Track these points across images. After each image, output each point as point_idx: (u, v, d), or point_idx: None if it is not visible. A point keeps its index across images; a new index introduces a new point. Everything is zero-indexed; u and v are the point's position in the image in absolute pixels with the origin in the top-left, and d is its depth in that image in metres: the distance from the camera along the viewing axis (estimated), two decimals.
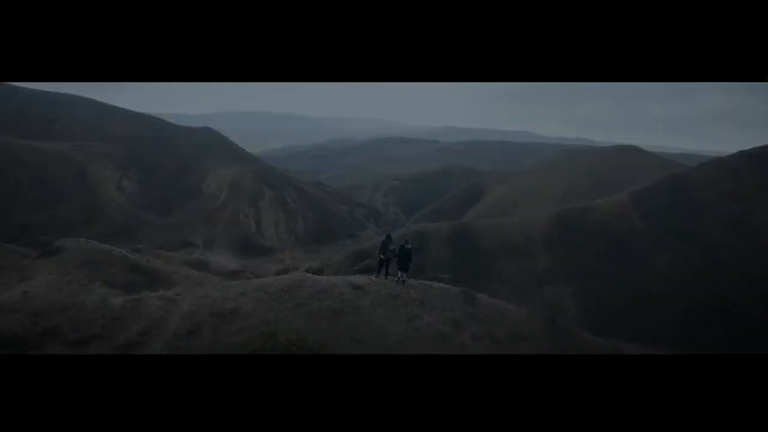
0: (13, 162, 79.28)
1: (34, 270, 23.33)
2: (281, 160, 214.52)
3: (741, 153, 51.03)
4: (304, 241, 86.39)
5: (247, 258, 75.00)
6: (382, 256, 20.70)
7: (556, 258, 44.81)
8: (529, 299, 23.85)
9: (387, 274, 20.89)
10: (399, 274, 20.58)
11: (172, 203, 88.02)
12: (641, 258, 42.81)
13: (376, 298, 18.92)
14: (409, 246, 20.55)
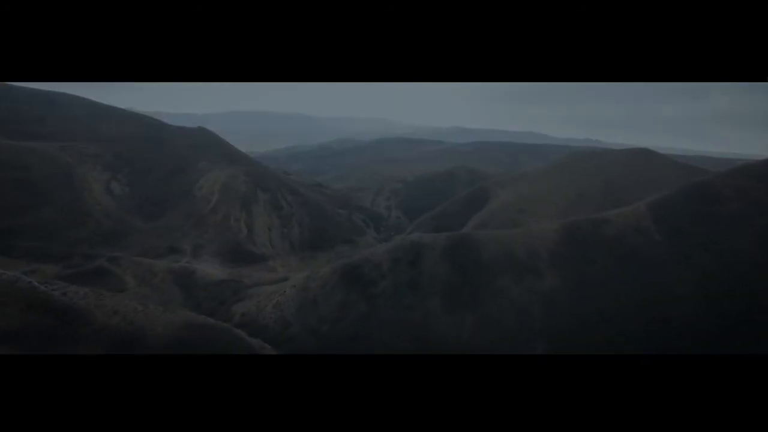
0: None
1: None
2: (283, 160, 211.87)
3: None
4: (299, 248, 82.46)
5: (237, 266, 71.17)
6: None
7: (565, 276, 40.41)
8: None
9: None
10: None
11: (163, 207, 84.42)
12: (661, 277, 38.30)
13: None
14: None
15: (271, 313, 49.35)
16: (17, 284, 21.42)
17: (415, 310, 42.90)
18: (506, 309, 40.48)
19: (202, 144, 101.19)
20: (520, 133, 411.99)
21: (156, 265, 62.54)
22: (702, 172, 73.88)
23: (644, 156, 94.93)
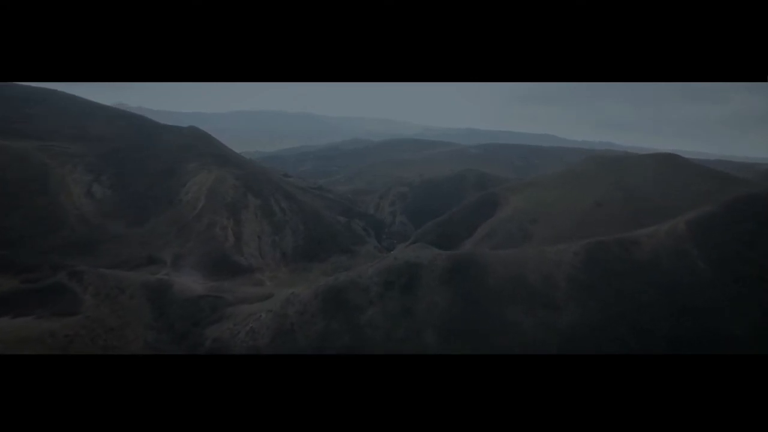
0: None
1: None
2: (291, 160, 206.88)
3: None
4: (292, 258, 76.15)
5: (221, 278, 65.03)
6: None
7: (586, 309, 33.39)
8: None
9: None
10: None
11: (147, 212, 78.65)
12: (707, 314, 31.12)
13: None
14: None
15: (243, 341, 43.07)
16: None
17: (407, 345, 36.23)
18: (515, 347, 33.59)
19: (194, 144, 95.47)
20: (533, 135, 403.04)
21: (127, 279, 56.46)
22: (740, 181, 66.05)
23: (669, 161, 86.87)
